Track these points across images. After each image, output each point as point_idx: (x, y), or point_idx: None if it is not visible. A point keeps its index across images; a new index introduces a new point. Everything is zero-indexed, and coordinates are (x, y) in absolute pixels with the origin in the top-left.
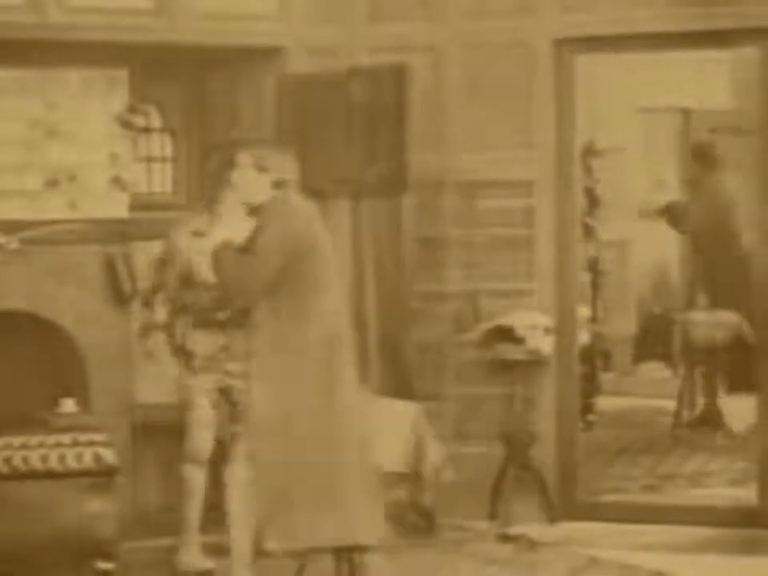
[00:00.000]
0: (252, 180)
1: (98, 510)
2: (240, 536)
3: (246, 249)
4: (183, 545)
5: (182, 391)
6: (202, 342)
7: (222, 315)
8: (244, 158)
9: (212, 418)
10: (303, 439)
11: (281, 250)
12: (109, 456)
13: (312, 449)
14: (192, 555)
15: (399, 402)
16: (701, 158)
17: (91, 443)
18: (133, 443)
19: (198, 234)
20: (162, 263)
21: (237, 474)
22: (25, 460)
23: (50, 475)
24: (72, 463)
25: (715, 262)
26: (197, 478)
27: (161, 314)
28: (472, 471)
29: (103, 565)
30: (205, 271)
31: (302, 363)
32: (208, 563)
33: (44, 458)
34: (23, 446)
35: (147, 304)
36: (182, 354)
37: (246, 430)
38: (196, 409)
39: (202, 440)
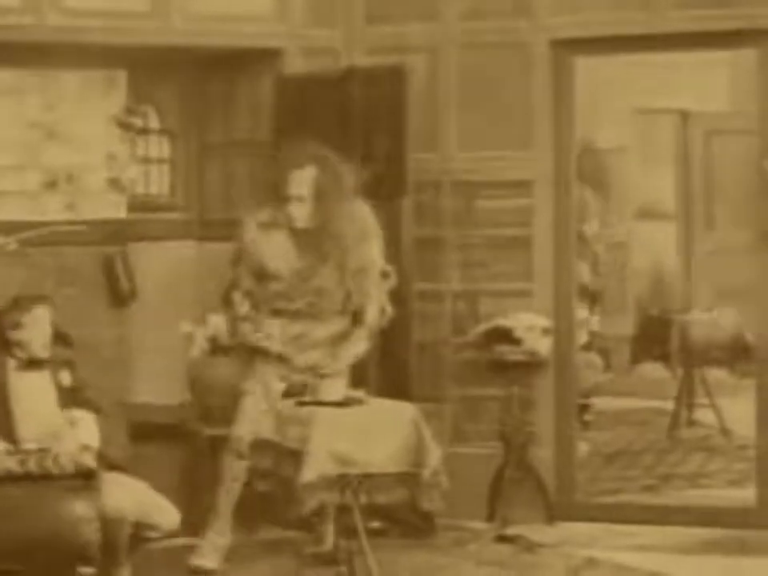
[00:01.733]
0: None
1: (79, 513)
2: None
3: None
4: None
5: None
6: (275, 333)
7: (294, 305)
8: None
9: (261, 410)
10: None
11: None
12: (88, 459)
13: None
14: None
15: (397, 403)
16: None
17: (38, 449)
18: (130, 444)
19: (264, 225)
20: (236, 258)
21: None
22: (2, 463)
23: (29, 478)
24: (51, 466)
25: None
26: (234, 468)
27: (244, 307)
28: (470, 472)
29: (85, 569)
30: (275, 262)
31: None
32: (212, 564)
33: (22, 462)
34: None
35: (228, 302)
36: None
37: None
38: (249, 397)
39: (245, 429)
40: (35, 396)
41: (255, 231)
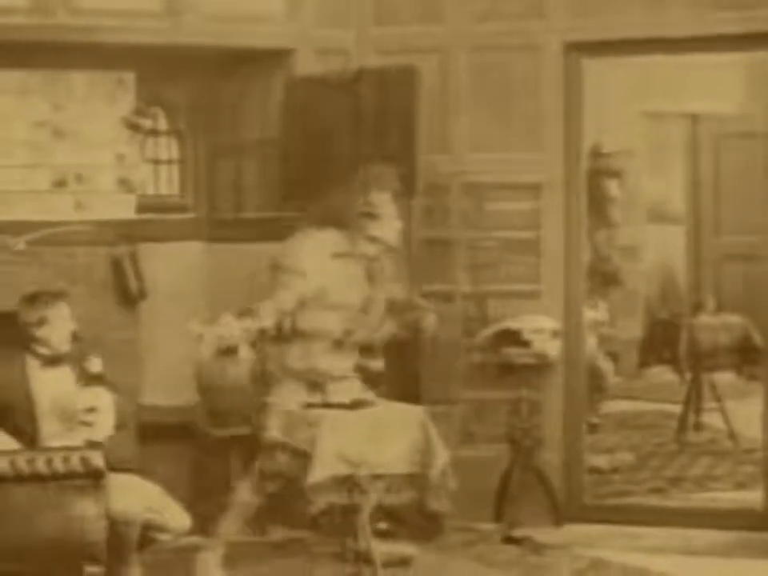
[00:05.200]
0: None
1: (85, 513)
2: None
3: None
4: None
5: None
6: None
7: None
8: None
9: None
10: None
11: None
12: (96, 458)
13: None
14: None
15: (406, 405)
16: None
17: (79, 446)
18: (139, 445)
19: (337, 255)
20: (278, 268)
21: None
22: (12, 463)
23: (37, 478)
24: (59, 466)
25: None
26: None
27: (267, 321)
28: (478, 474)
29: (91, 568)
30: (343, 294)
31: None
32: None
33: (30, 461)
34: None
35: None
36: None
37: None
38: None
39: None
40: (58, 392)
41: (324, 258)
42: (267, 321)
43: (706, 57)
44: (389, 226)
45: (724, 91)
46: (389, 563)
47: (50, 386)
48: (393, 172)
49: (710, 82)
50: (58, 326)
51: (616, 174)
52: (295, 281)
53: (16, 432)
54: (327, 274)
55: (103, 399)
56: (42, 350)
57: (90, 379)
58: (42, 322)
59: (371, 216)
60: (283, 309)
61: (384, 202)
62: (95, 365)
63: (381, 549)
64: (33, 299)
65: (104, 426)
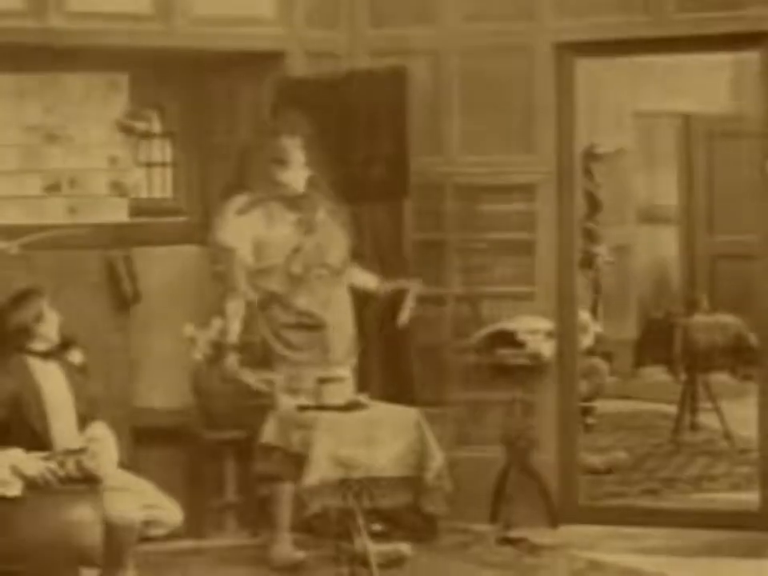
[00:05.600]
0: None
1: (81, 517)
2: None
3: None
4: (274, 539)
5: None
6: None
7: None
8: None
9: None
10: None
11: None
12: (94, 464)
13: None
14: (284, 548)
15: (400, 407)
16: None
17: (75, 450)
18: (134, 448)
19: (248, 206)
20: (217, 259)
21: None
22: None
23: (34, 483)
24: (57, 470)
25: None
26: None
27: (235, 324)
28: (473, 475)
29: (88, 572)
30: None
31: None
32: (299, 554)
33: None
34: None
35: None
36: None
37: None
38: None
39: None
40: (55, 386)
41: (236, 222)
42: (234, 321)
43: (698, 57)
44: (297, 173)
45: (715, 91)
46: (383, 564)
47: (51, 381)
48: (303, 119)
49: (701, 82)
50: (51, 319)
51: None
52: (231, 258)
53: (30, 433)
54: (243, 232)
55: (100, 437)
56: (40, 346)
57: (76, 376)
58: (39, 317)
59: (280, 161)
60: (240, 290)
61: (293, 147)
62: (76, 357)
63: (375, 549)
64: (23, 297)
65: (107, 459)
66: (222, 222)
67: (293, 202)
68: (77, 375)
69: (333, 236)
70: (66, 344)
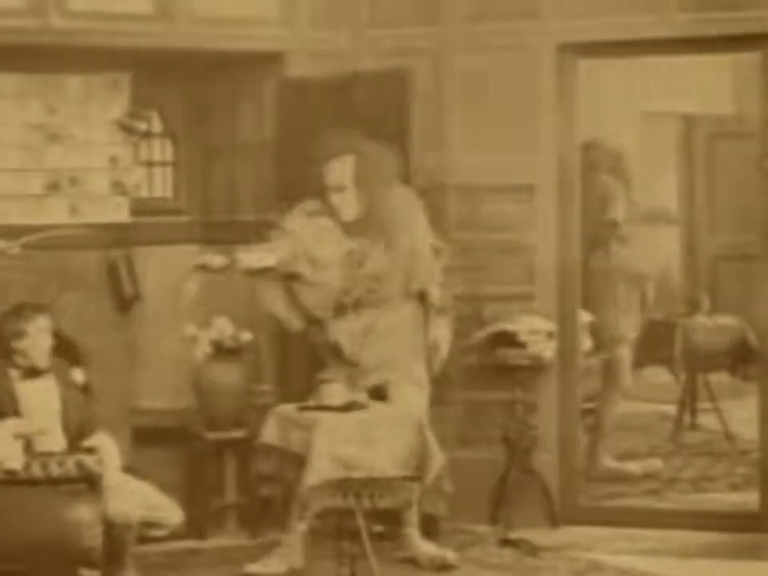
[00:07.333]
0: None
1: (81, 517)
2: None
3: None
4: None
5: None
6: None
7: (352, 295)
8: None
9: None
10: None
11: None
12: (91, 462)
13: None
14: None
15: (401, 408)
16: None
17: (75, 450)
18: (134, 448)
19: (311, 213)
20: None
21: None
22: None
23: (32, 482)
24: (54, 470)
25: None
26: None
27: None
28: (474, 476)
29: (87, 573)
30: (324, 248)
31: None
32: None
33: (26, 465)
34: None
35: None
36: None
37: None
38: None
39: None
40: (40, 403)
41: (302, 218)
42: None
43: (699, 57)
44: (338, 196)
45: (716, 92)
46: (431, 566)
47: (33, 398)
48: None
49: (703, 82)
50: (38, 341)
51: (612, 171)
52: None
53: None
54: (307, 230)
55: (103, 446)
56: (21, 362)
57: (76, 394)
58: (19, 335)
59: (325, 187)
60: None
61: (336, 170)
62: (78, 376)
63: (423, 550)
64: (14, 310)
65: (110, 468)
66: (290, 216)
67: (348, 227)
68: (78, 395)
69: (384, 269)
70: (71, 361)
